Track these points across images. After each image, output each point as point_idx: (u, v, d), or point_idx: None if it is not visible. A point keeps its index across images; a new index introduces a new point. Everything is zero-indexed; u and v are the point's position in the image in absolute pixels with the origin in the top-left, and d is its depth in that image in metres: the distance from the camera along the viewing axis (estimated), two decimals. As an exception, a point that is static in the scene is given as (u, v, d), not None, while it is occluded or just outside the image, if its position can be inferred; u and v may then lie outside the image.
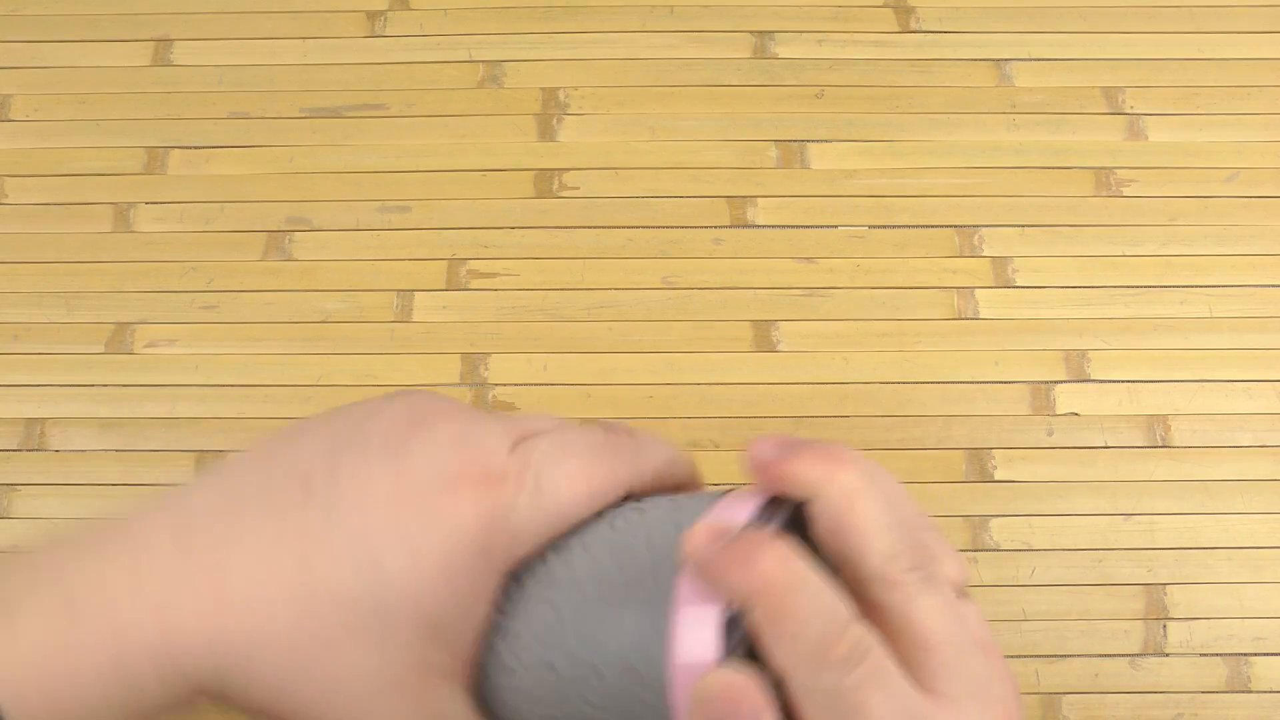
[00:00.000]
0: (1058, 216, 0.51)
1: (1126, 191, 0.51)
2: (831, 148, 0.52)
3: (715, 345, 0.49)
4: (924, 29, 0.55)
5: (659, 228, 0.51)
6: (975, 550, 0.45)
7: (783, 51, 0.54)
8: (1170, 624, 0.45)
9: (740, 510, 0.24)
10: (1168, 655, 0.44)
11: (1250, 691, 0.44)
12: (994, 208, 0.51)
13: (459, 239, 0.50)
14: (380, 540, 0.23)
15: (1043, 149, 0.52)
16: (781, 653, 0.22)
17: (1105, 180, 0.52)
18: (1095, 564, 0.45)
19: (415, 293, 0.50)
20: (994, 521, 0.46)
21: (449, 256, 0.50)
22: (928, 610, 0.23)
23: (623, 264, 0.50)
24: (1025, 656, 0.44)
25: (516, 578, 0.25)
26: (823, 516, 0.24)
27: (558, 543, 0.25)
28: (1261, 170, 0.52)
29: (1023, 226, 0.51)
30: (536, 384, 0.48)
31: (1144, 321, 0.49)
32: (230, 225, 0.51)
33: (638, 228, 0.51)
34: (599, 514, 0.26)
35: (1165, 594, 0.45)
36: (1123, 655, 0.44)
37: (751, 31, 0.55)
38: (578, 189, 0.51)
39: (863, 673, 0.21)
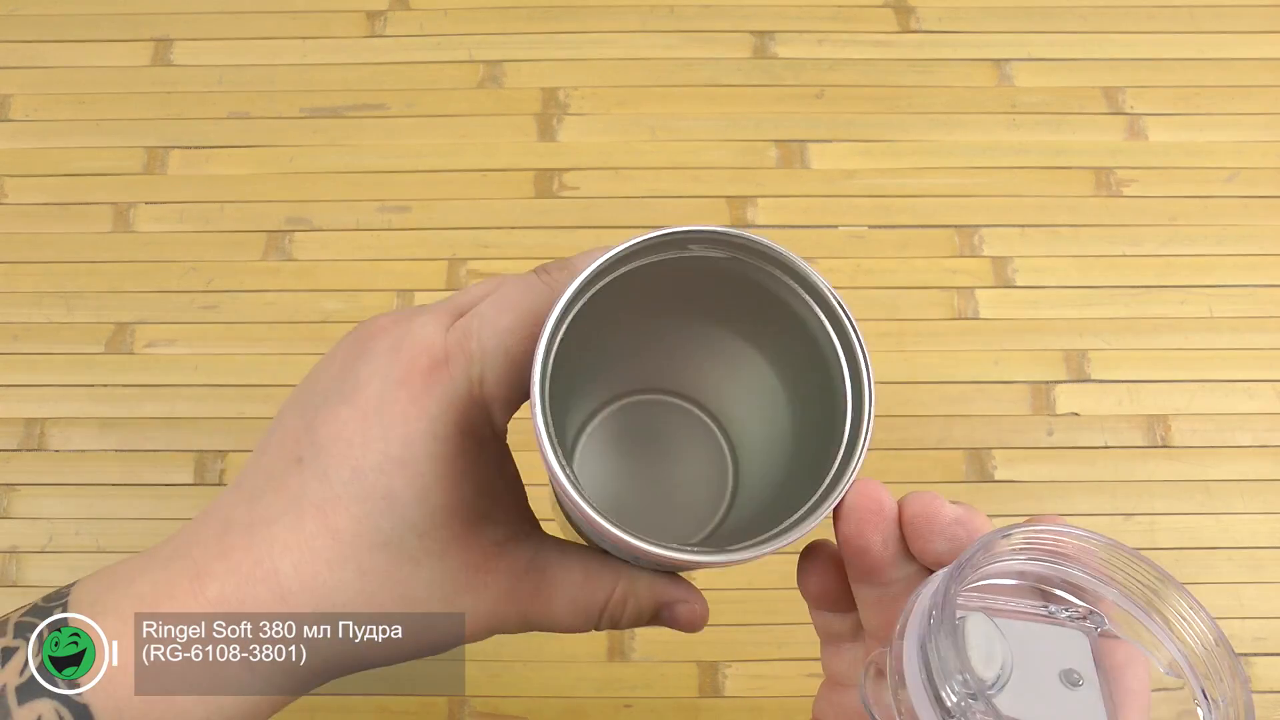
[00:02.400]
0: (1058, 216, 0.51)
1: (1126, 191, 0.51)
2: (831, 148, 0.52)
3: (715, 345, 0.49)
4: (924, 29, 0.55)
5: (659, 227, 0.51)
6: (975, 550, 0.45)
7: (783, 51, 0.54)
8: (1170, 624, 0.45)
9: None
10: (1168, 655, 0.44)
11: (1250, 691, 0.44)
12: (994, 208, 0.51)
13: (459, 239, 0.50)
14: (376, 474, 0.24)
15: (1043, 149, 0.52)
16: None
17: (1105, 180, 0.52)
18: (1095, 564, 0.45)
19: (415, 293, 0.50)
20: (994, 521, 0.46)
21: (449, 256, 0.50)
22: None
23: (623, 264, 0.50)
24: (1025, 656, 0.44)
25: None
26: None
27: None
28: (1261, 170, 0.52)
29: (1023, 226, 0.51)
30: (536, 384, 0.48)
31: (1144, 321, 0.49)
32: (230, 225, 0.51)
33: (638, 228, 0.51)
34: None
35: (1165, 594, 0.45)
36: (1123, 655, 0.44)
37: (751, 31, 0.55)
38: (578, 189, 0.51)
39: None
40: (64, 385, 0.48)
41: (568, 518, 0.27)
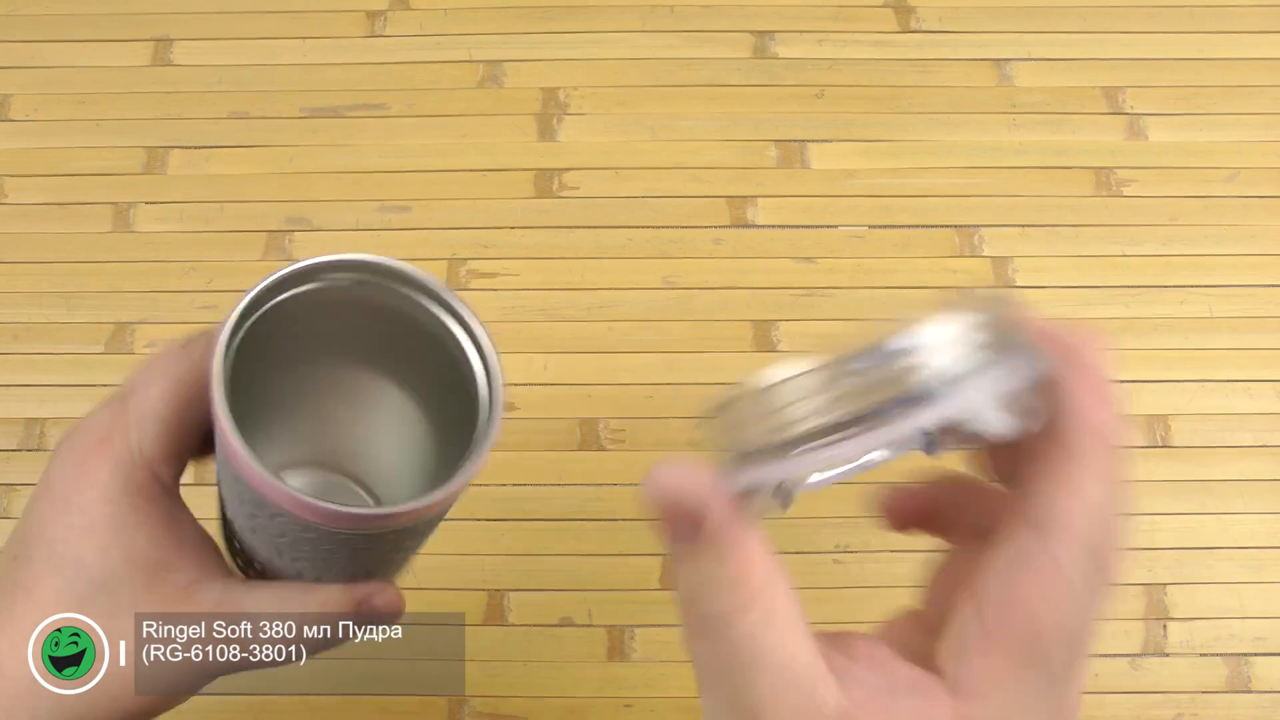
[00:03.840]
0: (1058, 216, 0.51)
1: (1126, 191, 0.51)
2: (831, 148, 0.52)
3: (715, 345, 0.49)
4: (924, 29, 0.55)
5: (659, 228, 0.51)
6: (975, 550, 0.45)
7: (783, 51, 0.54)
8: (1170, 624, 0.45)
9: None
10: (1168, 655, 0.44)
11: (1250, 691, 0.44)
12: (994, 208, 0.51)
13: (459, 239, 0.50)
14: (64, 545, 0.27)
15: (1043, 149, 0.52)
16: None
17: (1105, 180, 0.52)
18: (1095, 564, 0.45)
19: (415, 293, 0.50)
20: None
21: (449, 256, 0.50)
22: None
23: (623, 264, 0.50)
24: (1025, 656, 0.44)
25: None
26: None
27: None
28: (1261, 170, 0.52)
29: (1023, 226, 0.51)
30: (537, 384, 0.48)
31: (1144, 321, 0.49)
32: (230, 225, 0.51)
33: (638, 228, 0.51)
34: None
35: (1165, 594, 0.45)
36: (1123, 655, 0.44)
37: (751, 31, 0.55)
38: (578, 189, 0.51)
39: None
40: (64, 385, 0.48)
41: (242, 531, 0.29)
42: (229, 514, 0.29)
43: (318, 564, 0.28)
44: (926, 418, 0.19)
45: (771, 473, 0.20)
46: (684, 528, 0.20)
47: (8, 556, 0.28)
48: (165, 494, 0.28)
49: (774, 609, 0.20)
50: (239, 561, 0.30)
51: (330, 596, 0.28)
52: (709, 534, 0.20)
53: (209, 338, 0.27)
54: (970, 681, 0.20)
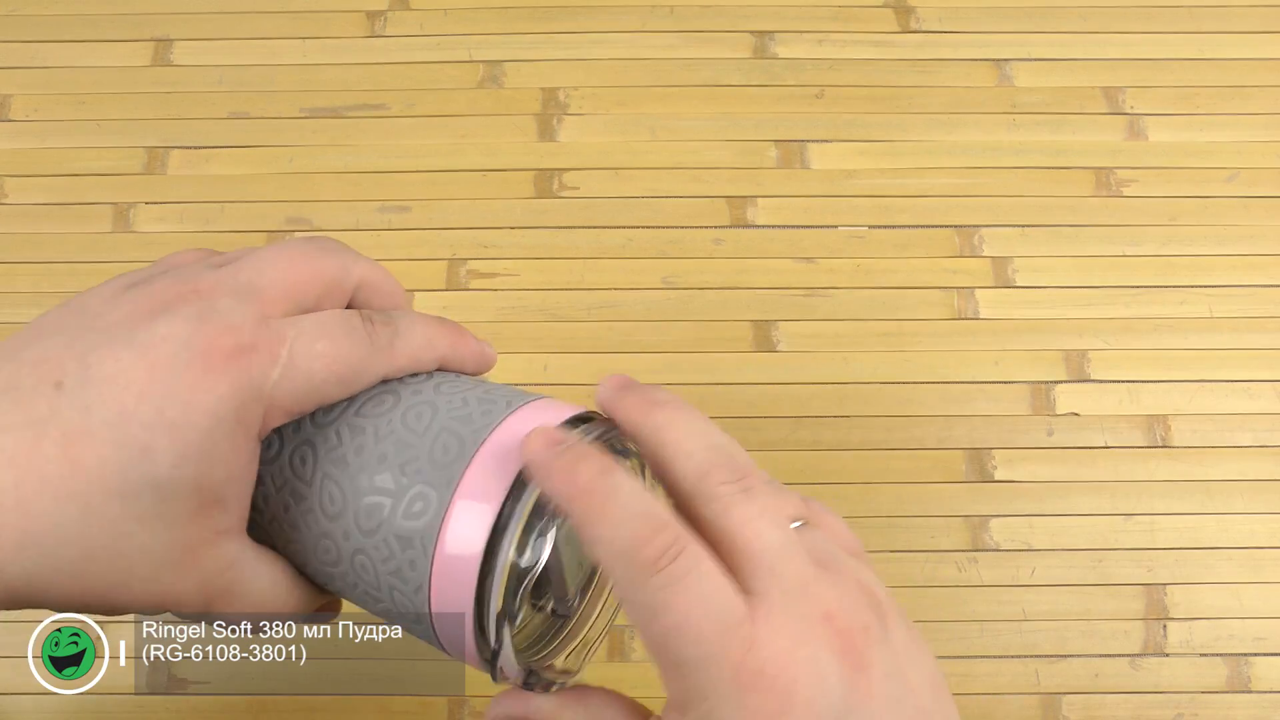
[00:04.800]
0: (1058, 216, 0.51)
1: (1126, 191, 0.51)
2: (831, 148, 0.52)
3: (715, 345, 0.49)
4: (924, 29, 0.55)
5: (659, 228, 0.51)
6: (975, 550, 0.45)
7: (783, 51, 0.54)
8: (1170, 624, 0.45)
9: (552, 417, 0.26)
10: (1168, 655, 0.44)
11: (1250, 691, 0.44)
12: (994, 208, 0.51)
13: (459, 239, 0.50)
14: (142, 426, 0.23)
15: (1043, 149, 0.52)
16: (601, 557, 0.23)
17: (1105, 180, 0.52)
18: (1095, 564, 0.45)
19: (415, 293, 0.50)
20: (994, 521, 0.46)
21: (449, 256, 0.50)
22: (744, 518, 0.24)
23: (623, 264, 0.50)
24: (1025, 656, 0.44)
25: (311, 444, 0.27)
26: (644, 453, 0.26)
27: (350, 418, 0.27)
28: (1261, 170, 0.52)
29: (1023, 226, 0.51)
30: (537, 384, 0.48)
31: (1144, 321, 0.49)
32: (230, 225, 0.51)
33: (638, 228, 0.51)
34: (389, 388, 0.27)
35: (1165, 594, 0.45)
36: (1123, 655, 0.44)
37: (751, 31, 0.55)
38: (578, 189, 0.51)
39: (672, 573, 0.22)
40: (64, 385, 0.48)
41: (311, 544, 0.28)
42: (312, 528, 0.27)
43: (350, 590, 0.27)
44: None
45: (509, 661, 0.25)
46: None
47: (45, 377, 0.24)
48: (257, 437, 0.25)
49: None
50: (260, 532, 0.28)
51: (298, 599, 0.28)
52: None
53: (392, 324, 0.27)
54: None
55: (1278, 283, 0.50)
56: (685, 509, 0.25)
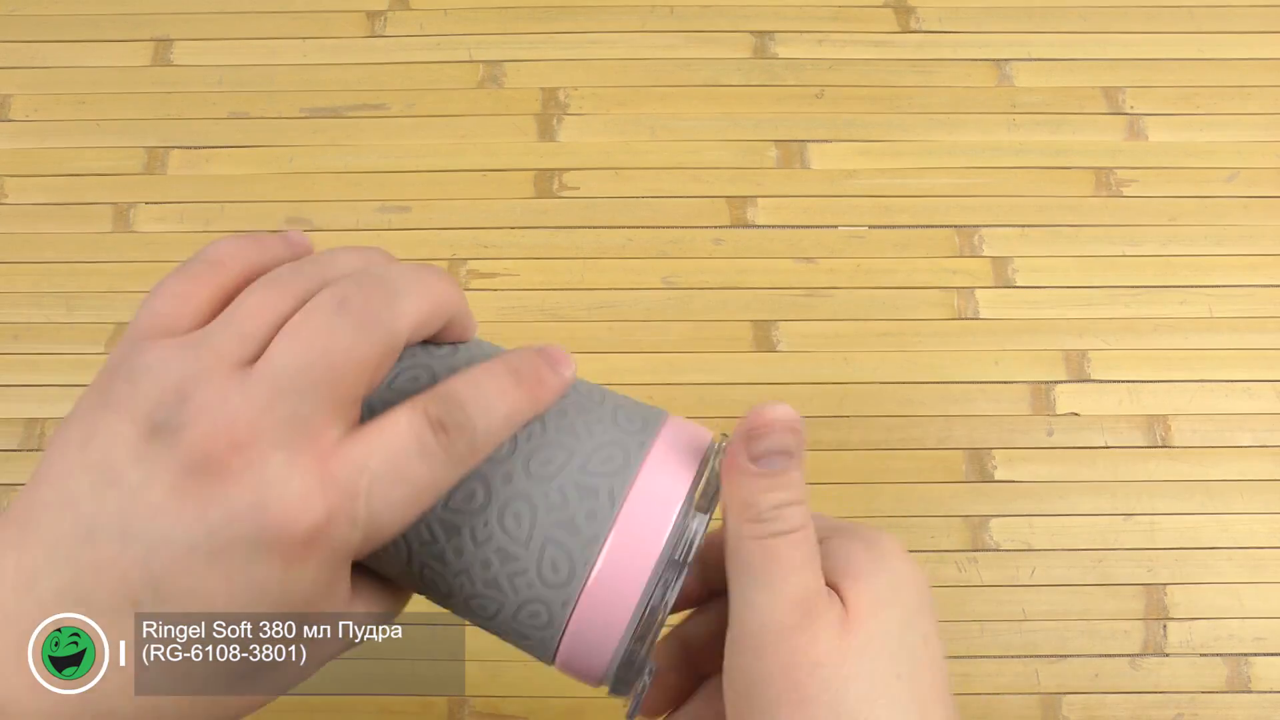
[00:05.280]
0: (1058, 216, 0.51)
1: (1126, 191, 0.51)
2: (831, 148, 0.52)
3: (715, 345, 0.49)
4: (924, 29, 0.55)
5: (659, 228, 0.51)
6: (975, 550, 0.45)
7: (783, 51, 0.54)
8: (1170, 624, 0.45)
9: (659, 507, 0.26)
10: (1168, 655, 0.44)
11: (1250, 691, 0.44)
12: (994, 208, 0.51)
13: (459, 239, 0.50)
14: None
15: (1043, 149, 0.52)
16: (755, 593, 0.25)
17: (1105, 180, 0.52)
18: (1095, 564, 0.45)
19: (415, 293, 0.50)
20: (994, 521, 0.46)
21: (449, 256, 0.50)
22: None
23: (623, 264, 0.50)
24: (1025, 656, 0.44)
25: (404, 536, 0.26)
26: None
27: (440, 513, 0.26)
28: (1261, 170, 0.52)
29: (1023, 226, 0.51)
30: (536, 384, 0.48)
31: (1144, 321, 0.49)
32: (230, 225, 0.51)
33: (638, 228, 0.51)
34: (475, 475, 0.26)
35: (1165, 594, 0.45)
36: (1123, 655, 0.44)
37: (751, 31, 0.55)
38: (578, 189, 0.51)
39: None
40: (64, 385, 0.48)
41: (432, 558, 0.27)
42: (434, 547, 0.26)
43: (432, 588, 0.27)
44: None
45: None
46: None
47: (126, 602, 0.22)
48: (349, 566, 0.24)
49: None
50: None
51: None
52: None
53: (468, 430, 0.24)
54: None
55: (1278, 283, 0.50)
56: None
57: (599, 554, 0.25)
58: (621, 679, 0.26)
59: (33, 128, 0.53)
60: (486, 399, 0.24)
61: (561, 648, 0.26)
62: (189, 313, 0.24)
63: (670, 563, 0.25)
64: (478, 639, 0.44)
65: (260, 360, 0.23)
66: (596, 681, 0.26)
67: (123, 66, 0.54)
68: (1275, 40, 0.54)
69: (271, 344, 0.23)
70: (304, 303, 0.24)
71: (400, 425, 0.23)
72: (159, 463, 0.22)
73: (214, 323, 0.24)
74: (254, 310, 0.24)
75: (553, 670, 0.28)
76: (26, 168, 0.52)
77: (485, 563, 0.25)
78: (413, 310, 0.24)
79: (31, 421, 0.48)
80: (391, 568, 0.27)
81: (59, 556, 0.22)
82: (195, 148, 0.52)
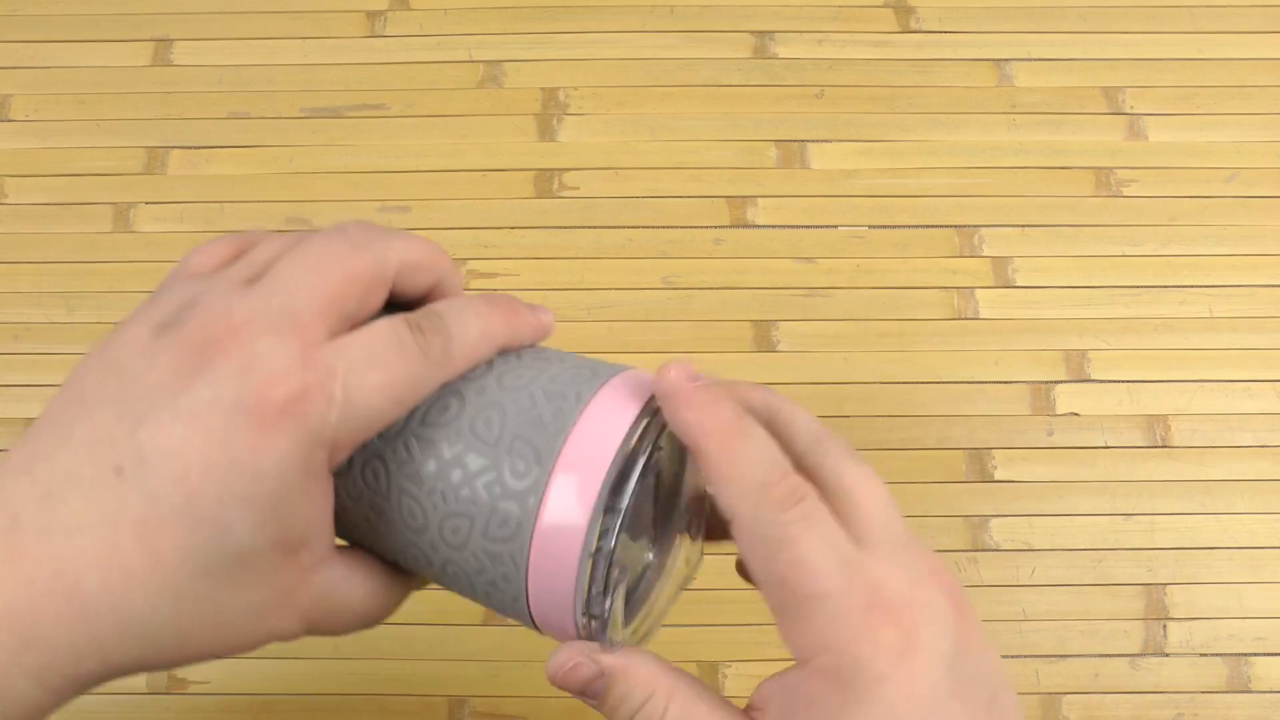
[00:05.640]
0: (1058, 216, 0.51)
1: (1126, 191, 0.52)
2: (831, 148, 0.52)
3: (715, 345, 0.49)
4: (924, 29, 0.55)
5: (659, 228, 0.51)
6: (975, 550, 0.45)
7: (783, 51, 0.54)
8: (1170, 624, 0.45)
9: (625, 409, 0.26)
10: (1168, 655, 0.44)
11: (1250, 691, 0.44)
12: (994, 208, 0.51)
13: (459, 239, 0.50)
14: (212, 504, 0.23)
15: (1043, 149, 0.52)
16: (729, 492, 0.25)
17: (1105, 180, 0.52)
18: (1095, 564, 0.45)
19: (415, 293, 0.50)
20: (994, 521, 0.46)
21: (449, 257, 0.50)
22: (856, 475, 0.26)
23: (623, 264, 0.50)
24: (1025, 656, 0.44)
25: (381, 458, 0.27)
26: (758, 418, 0.27)
27: (417, 429, 0.26)
28: (1261, 170, 0.52)
29: (1023, 226, 0.51)
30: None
31: (1144, 321, 0.49)
32: (230, 225, 0.51)
33: (638, 228, 0.51)
34: (451, 390, 0.27)
35: (1165, 594, 0.45)
36: (1123, 655, 0.44)
37: (751, 31, 0.55)
38: (578, 189, 0.51)
39: (799, 512, 0.24)
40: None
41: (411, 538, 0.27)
42: (411, 518, 0.27)
43: (447, 579, 0.28)
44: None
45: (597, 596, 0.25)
46: (589, 694, 0.26)
47: (104, 462, 0.23)
48: (328, 473, 0.25)
49: (689, 695, 0.25)
50: (344, 532, 0.28)
51: (407, 588, 0.28)
52: (604, 684, 0.26)
53: (443, 332, 0.26)
54: None
55: (1278, 283, 0.50)
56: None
57: (564, 441, 0.25)
58: (595, 598, 0.25)
59: (33, 128, 0.53)
60: (462, 315, 0.27)
61: (532, 560, 0.25)
62: (213, 263, 0.27)
63: (635, 453, 0.25)
64: (478, 639, 0.44)
65: (264, 273, 0.25)
66: (570, 602, 0.26)
67: (123, 66, 0.54)
68: (1275, 40, 0.54)
69: (274, 263, 0.26)
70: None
71: (380, 325, 0.25)
72: (160, 350, 0.24)
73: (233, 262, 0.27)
74: (264, 249, 0.26)
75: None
76: (26, 168, 0.52)
77: (460, 466, 0.26)
78: (402, 248, 0.27)
79: (31, 421, 0.47)
80: (373, 511, 0.27)
81: (57, 439, 0.24)
82: (195, 148, 0.52)
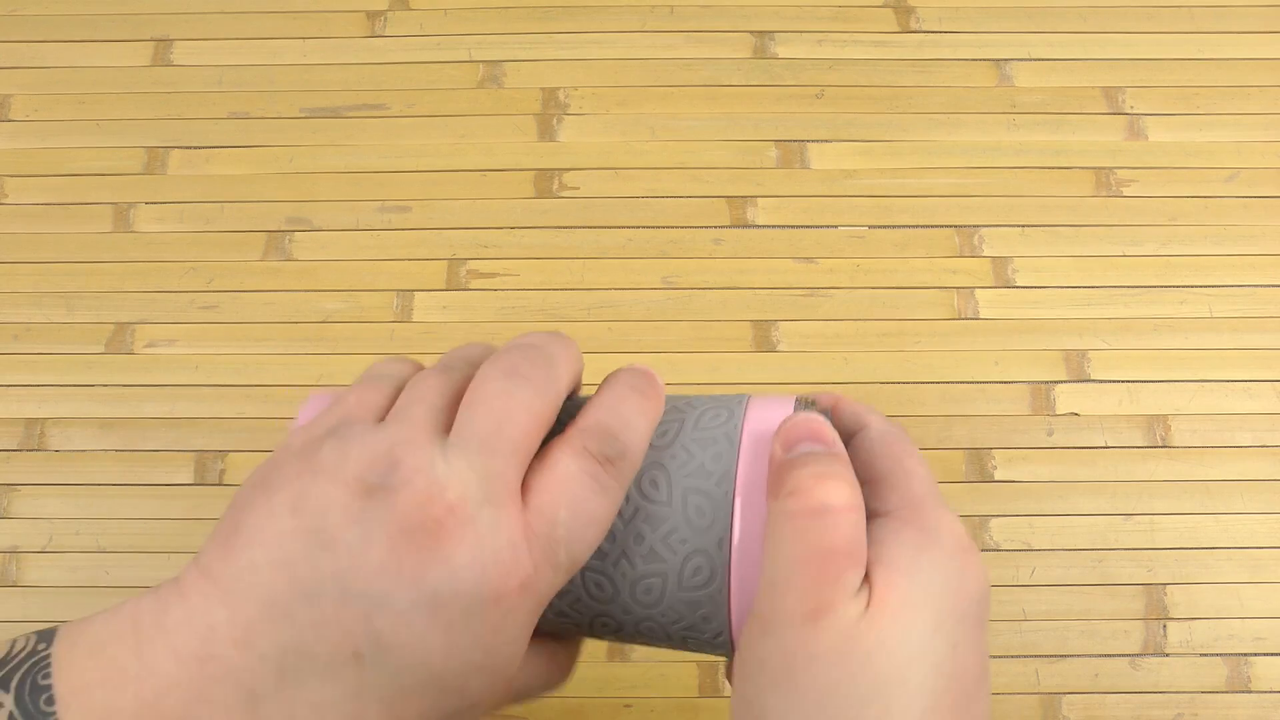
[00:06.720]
0: (1058, 216, 0.51)
1: (1126, 191, 0.52)
2: (831, 148, 0.52)
3: (715, 345, 0.49)
4: (924, 29, 0.55)
5: (659, 228, 0.51)
6: (975, 550, 0.45)
7: (783, 51, 0.54)
8: (1170, 624, 0.45)
9: (776, 413, 0.28)
10: (1168, 655, 0.44)
11: (1250, 691, 0.44)
12: (994, 208, 0.51)
13: (459, 239, 0.50)
14: (454, 676, 0.25)
15: (1043, 149, 0.52)
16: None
17: (1105, 180, 0.52)
18: (1095, 564, 0.45)
19: (415, 293, 0.50)
20: (994, 521, 0.46)
21: (449, 256, 0.50)
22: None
23: (623, 264, 0.50)
24: (1025, 656, 0.44)
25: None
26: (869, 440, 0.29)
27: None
28: (1261, 170, 0.52)
29: (1023, 226, 0.51)
30: (536, 384, 0.48)
31: (1144, 321, 0.49)
32: (230, 225, 0.51)
33: (638, 228, 0.51)
34: None
35: (1165, 594, 0.45)
36: (1123, 655, 0.44)
37: (751, 31, 0.55)
38: (578, 189, 0.51)
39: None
40: (64, 385, 0.48)
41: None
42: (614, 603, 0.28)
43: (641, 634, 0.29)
44: None
45: None
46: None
47: (341, 648, 0.24)
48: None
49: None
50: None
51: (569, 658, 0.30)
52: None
53: (628, 458, 0.26)
54: None
55: (1278, 283, 0.50)
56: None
57: (734, 484, 0.27)
58: None
59: (33, 128, 0.53)
60: (627, 420, 0.27)
61: (733, 588, 0.26)
62: (371, 407, 0.27)
63: None
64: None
65: (454, 428, 0.25)
66: None
67: (123, 66, 0.54)
68: (1275, 40, 0.54)
69: (458, 413, 0.26)
70: (469, 380, 0.27)
71: (572, 469, 0.26)
72: (375, 524, 0.24)
73: (400, 402, 0.27)
74: (433, 388, 0.27)
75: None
76: (26, 168, 0.52)
77: (639, 535, 0.27)
78: (566, 372, 0.28)
79: (31, 421, 0.48)
80: (559, 597, 0.28)
81: (276, 615, 0.24)
82: (195, 148, 0.52)
